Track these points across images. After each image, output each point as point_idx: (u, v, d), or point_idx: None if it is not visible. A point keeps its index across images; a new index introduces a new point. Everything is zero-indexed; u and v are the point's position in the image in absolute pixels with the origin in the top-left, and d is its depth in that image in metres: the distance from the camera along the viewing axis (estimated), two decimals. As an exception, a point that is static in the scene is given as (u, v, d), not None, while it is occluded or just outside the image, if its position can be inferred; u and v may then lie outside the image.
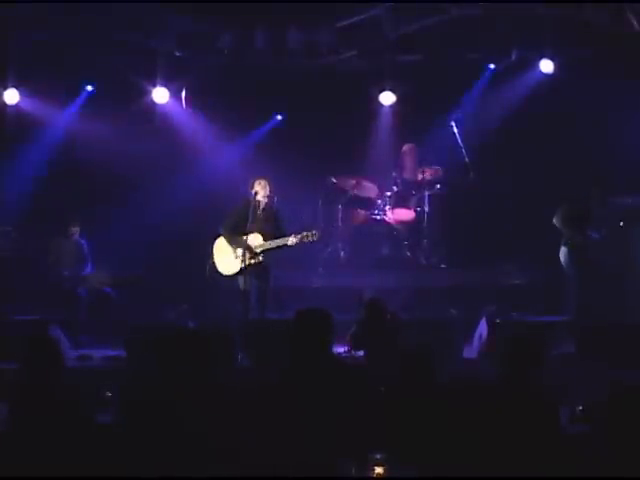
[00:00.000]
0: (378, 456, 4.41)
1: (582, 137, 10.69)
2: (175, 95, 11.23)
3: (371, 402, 4.98)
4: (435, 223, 11.15)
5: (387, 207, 11.05)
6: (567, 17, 10.08)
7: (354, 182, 11.13)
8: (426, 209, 11.09)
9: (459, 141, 11.07)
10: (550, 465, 4.73)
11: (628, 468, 4.65)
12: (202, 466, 4.75)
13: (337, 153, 11.13)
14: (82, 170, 10.92)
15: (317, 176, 11.08)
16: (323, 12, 10.23)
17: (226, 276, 8.86)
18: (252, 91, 11.05)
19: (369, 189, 11.23)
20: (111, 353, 8.61)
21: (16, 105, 10.83)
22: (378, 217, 11.08)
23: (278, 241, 8.60)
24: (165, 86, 11.02)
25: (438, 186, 11.13)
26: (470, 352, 8.58)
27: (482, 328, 8.60)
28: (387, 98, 11.30)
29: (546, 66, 10.71)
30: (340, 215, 11.18)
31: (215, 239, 9.00)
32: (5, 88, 10.68)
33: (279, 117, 11.77)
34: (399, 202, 11.11)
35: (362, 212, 11.18)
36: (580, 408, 5.66)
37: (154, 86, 10.99)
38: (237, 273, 8.72)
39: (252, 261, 8.63)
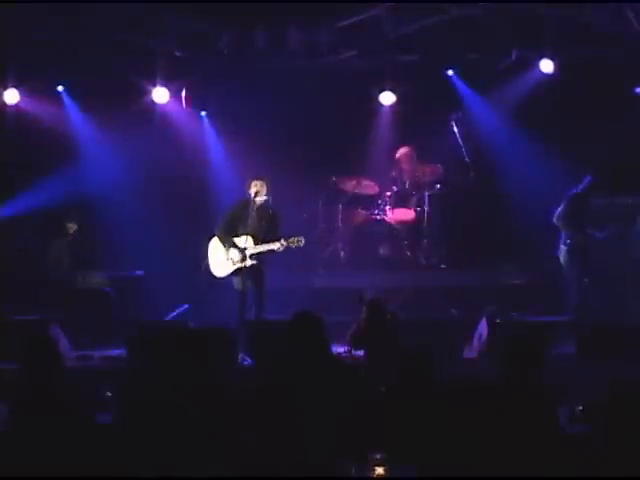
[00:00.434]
0: (378, 456, 4.41)
1: (582, 137, 10.68)
2: (175, 95, 11.22)
3: (371, 402, 4.98)
4: (435, 223, 11.16)
5: (387, 207, 11.05)
6: (567, 17, 10.08)
7: (354, 182, 11.13)
8: (426, 209, 11.10)
9: (459, 141, 11.08)
10: (550, 465, 4.73)
11: (628, 468, 4.66)
12: (202, 466, 4.75)
13: (337, 153, 11.12)
14: (82, 170, 10.92)
15: (317, 176, 11.08)
16: (323, 12, 10.21)
17: (219, 278, 8.89)
18: (252, 91, 11.04)
19: (369, 187, 11.22)
20: (111, 353, 8.60)
21: (16, 105, 10.81)
22: (378, 217, 11.08)
23: (266, 246, 8.64)
24: (165, 86, 11.00)
25: (438, 186, 11.13)
26: (470, 352, 8.57)
27: (482, 328, 8.60)
28: (387, 98, 11.28)
29: (546, 66, 10.69)
30: (340, 215, 11.19)
31: (210, 239, 9.02)
32: (5, 88, 10.66)
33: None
34: (399, 202, 11.11)
35: (362, 212, 11.18)
36: (580, 408, 5.66)
37: (154, 86, 10.97)
38: (230, 275, 8.76)
39: (242, 264, 8.64)
